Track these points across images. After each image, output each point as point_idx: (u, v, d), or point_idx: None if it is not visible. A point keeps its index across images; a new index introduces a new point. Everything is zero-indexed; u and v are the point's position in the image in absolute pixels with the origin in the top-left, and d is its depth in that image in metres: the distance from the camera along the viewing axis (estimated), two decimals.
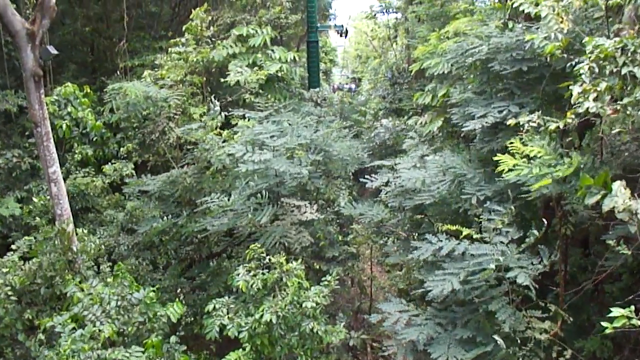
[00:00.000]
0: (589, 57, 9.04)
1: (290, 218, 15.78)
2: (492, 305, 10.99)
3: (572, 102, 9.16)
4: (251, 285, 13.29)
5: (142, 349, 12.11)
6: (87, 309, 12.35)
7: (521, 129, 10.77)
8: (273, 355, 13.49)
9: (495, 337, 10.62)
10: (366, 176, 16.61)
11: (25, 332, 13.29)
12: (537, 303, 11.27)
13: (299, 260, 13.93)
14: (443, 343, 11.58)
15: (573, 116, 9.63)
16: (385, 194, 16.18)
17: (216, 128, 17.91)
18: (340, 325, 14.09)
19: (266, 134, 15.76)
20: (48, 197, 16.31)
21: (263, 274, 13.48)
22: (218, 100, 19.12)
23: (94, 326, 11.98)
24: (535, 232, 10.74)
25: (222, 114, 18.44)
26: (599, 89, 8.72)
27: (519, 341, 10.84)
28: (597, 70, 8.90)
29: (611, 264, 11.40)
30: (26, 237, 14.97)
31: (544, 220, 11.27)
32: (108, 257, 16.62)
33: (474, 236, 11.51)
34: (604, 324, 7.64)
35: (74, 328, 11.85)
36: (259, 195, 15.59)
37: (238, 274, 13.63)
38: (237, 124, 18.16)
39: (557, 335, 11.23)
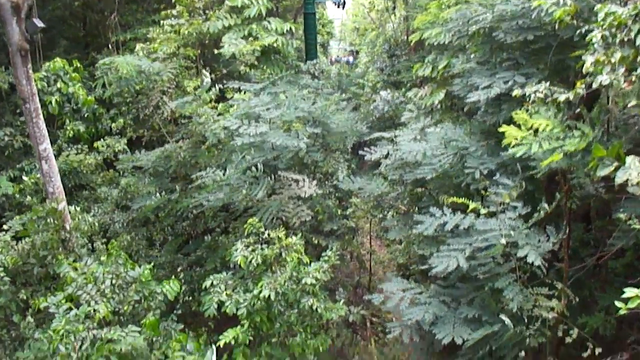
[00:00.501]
0: (601, 25, 8.66)
1: (288, 192, 15.50)
2: (498, 283, 10.70)
3: (583, 72, 8.80)
4: (250, 261, 13.05)
5: (139, 328, 11.86)
6: (81, 289, 12.06)
7: (526, 100, 10.41)
8: (272, 332, 13.32)
9: (503, 317, 10.36)
10: (365, 149, 16.28)
11: (21, 312, 13.01)
12: (543, 280, 11.01)
13: (299, 235, 13.68)
14: (448, 322, 11.32)
15: (583, 87, 9.27)
16: (385, 167, 15.87)
17: (211, 101, 17.58)
18: (340, 302, 13.91)
19: (262, 107, 15.43)
20: (39, 176, 15.97)
21: (262, 249, 13.23)
22: (212, 73, 18.75)
23: (89, 306, 11.71)
24: (546, 206, 10.42)
25: (217, 86, 18.09)
26: (613, 59, 8.35)
27: (525, 320, 10.58)
28: (610, 39, 8.52)
29: (618, 242, 11.14)
30: (18, 217, 14.66)
31: (550, 194, 10.97)
32: (103, 234, 16.35)
33: (481, 211, 11.18)
34: (617, 304, 7.34)
35: (69, 308, 11.58)
36: (254, 168, 15.28)
37: (236, 250, 13.39)
38: (232, 97, 17.81)
39: (561, 313, 10.98)
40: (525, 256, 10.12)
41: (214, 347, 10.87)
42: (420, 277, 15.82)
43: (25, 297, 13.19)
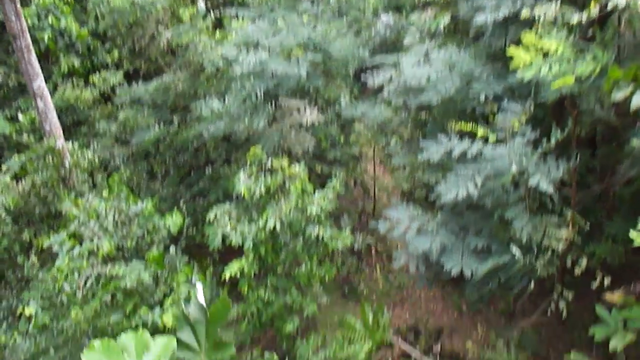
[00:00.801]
0: None
1: (290, 120, 15.23)
2: (508, 212, 10.44)
3: None
4: (253, 191, 12.85)
5: (143, 263, 11.77)
6: (83, 225, 11.92)
7: (536, 22, 9.98)
8: (277, 263, 13.26)
9: (513, 248, 10.17)
10: (367, 74, 15.85)
11: (25, 253, 12.92)
12: (551, 208, 10.78)
13: (302, 164, 13.44)
14: (456, 252, 11.12)
15: (597, 8, 8.83)
16: (388, 92, 15.46)
17: (208, 29, 17.10)
18: (345, 231, 13.80)
19: (261, 33, 14.98)
20: (36, 114, 15.65)
21: (265, 178, 13.02)
22: (209, 1, 18.20)
23: (92, 242, 11.59)
24: (558, 133, 10.09)
25: (214, 14, 17.59)
26: None
27: (535, 250, 10.40)
28: None
29: (629, 171, 10.88)
30: (16, 156, 14.41)
31: (559, 120, 10.64)
32: (104, 169, 16.14)
33: (490, 137, 10.85)
34: (632, 235, 7.14)
35: (72, 246, 11.47)
36: (254, 97, 14.95)
37: (239, 180, 13.18)
38: (230, 25, 17.32)
39: (570, 242, 10.80)
40: (537, 184, 9.84)
41: (199, 283, 10.77)
42: (425, 203, 15.63)
43: (28, 238, 13.08)
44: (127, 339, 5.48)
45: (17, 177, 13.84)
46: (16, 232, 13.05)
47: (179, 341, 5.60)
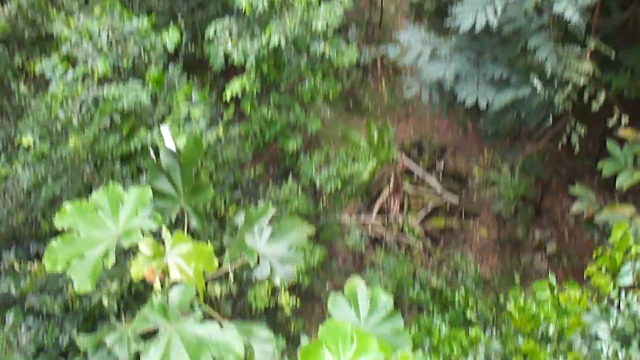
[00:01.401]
0: None
1: None
2: (532, 40, 9.66)
3: None
4: (255, 5, 12.09)
5: (141, 83, 11.28)
6: (76, 47, 11.26)
7: None
8: (280, 80, 12.88)
9: (534, 80, 9.58)
10: None
11: (18, 79, 12.33)
12: (574, 37, 10.02)
13: None
14: (471, 80, 10.49)
15: None
16: None
17: None
18: (352, 47, 13.25)
19: None
20: None
21: None
22: None
23: (86, 64, 11.03)
24: None
25: None
26: None
27: (555, 84, 9.82)
28: None
29: None
30: None
31: None
32: None
33: None
34: None
35: (65, 70, 10.93)
36: None
37: None
38: None
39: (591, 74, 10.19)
40: (562, 11, 9.01)
41: (165, 128, 10.32)
42: (435, 17, 14.77)
43: (20, 63, 12.45)
44: (99, 196, 5.22)
45: (1, 1, 12.89)
46: (7, 58, 12.36)
47: (155, 191, 5.33)
